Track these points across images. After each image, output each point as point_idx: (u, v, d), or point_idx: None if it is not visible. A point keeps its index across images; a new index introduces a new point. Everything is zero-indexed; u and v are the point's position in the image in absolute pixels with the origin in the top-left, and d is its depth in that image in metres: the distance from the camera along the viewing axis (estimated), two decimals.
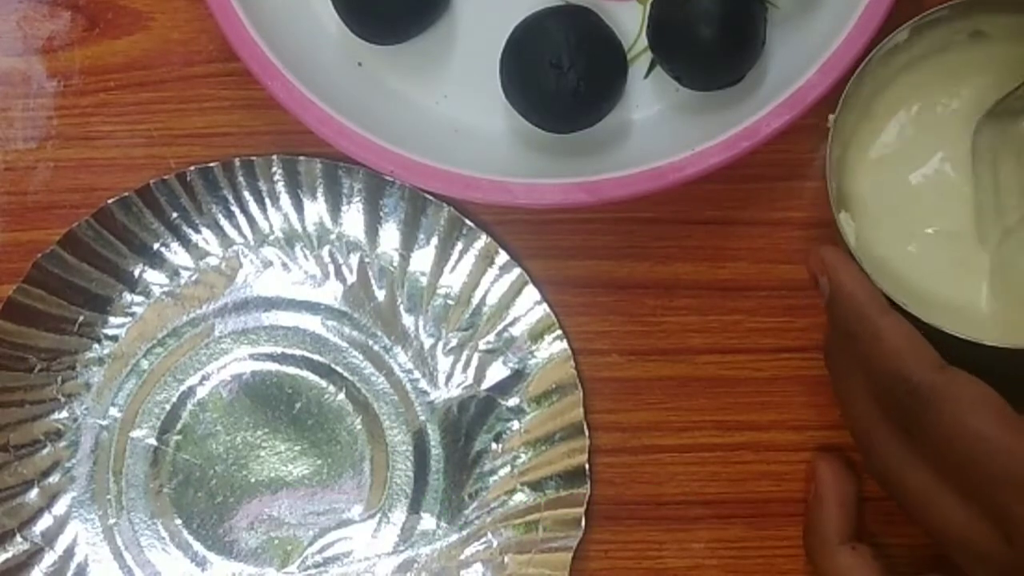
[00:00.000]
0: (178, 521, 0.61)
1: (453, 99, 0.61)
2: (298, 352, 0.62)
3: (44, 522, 0.61)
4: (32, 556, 0.61)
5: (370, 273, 0.62)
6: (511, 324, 0.61)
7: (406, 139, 0.59)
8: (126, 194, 0.61)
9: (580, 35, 0.58)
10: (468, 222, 0.61)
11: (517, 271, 0.61)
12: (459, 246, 0.61)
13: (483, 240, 0.61)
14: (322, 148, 0.59)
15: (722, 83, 0.58)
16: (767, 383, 0.61)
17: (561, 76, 0.57)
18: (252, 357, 0.62)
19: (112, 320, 0.62)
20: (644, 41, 0.60)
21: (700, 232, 0.61)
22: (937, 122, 0.56)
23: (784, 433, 0.61)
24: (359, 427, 0.61)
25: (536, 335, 0.61)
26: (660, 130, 0.60)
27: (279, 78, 0.58)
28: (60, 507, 0.61)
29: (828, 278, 0.52)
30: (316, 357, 0.62)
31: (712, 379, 0.61)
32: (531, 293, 0.61)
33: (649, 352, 0.61)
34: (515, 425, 0.61)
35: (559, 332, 0.61)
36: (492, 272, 0.61)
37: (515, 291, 0.61)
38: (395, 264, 0.61)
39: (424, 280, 0.61)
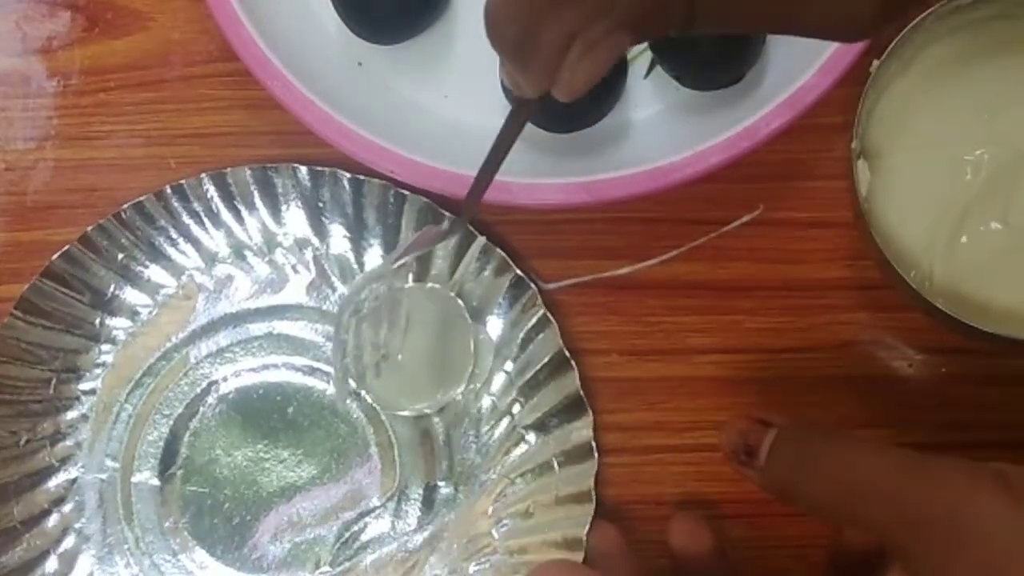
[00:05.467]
0: (202, 552, 0.61)
1: (453, 99, 0.62)
2: (277, 359, 0.62)
3: None
4: None
5: (326, 265, 0.62)
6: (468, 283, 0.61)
7: (406, 139, 0.59)
8: (67, 247, 0.61)
9: None
10: (405, 192, 0.61)
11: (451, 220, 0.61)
12: (404, 221, 0.61)
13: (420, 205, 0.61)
14: (322, 148, 0.59)
15: (722, 83, 0.58)
16: (767, 383, 0.61)
17: None
18: (234, 375, 0.62)
19: (85, 374, 0.62)
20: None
21: (700, 232, 0.61)
22: (969, 97, 0.56)
23: None
24: (356, 416, 0.61)
25: (498, 272, 0.61)
26: (660, 130, 0.60)
27: (279, 78, 0.58)
28: (81, 570, 0.61)
29: None
30: (295, 359, 0.62)
31: (712, 379, 0.61)
32: (478, 243, 0.61)
33: (649, 352, 0.61)
34: (502, 375, 0.61)
35: (516, 272, 0.60)
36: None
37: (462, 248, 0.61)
38: (348, 251, 0.62)
39: (381, 262, 0.61)
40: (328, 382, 0.61)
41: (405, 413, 0.61)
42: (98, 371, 0.62)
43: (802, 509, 0.49)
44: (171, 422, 0.62)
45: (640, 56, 0.61)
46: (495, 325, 0.61)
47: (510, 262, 0.61)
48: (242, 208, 0.62)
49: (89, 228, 0.61)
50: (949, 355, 0.61)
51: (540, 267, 0.61)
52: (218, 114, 0.63)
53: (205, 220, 0.62)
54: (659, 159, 0.57)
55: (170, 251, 0.62)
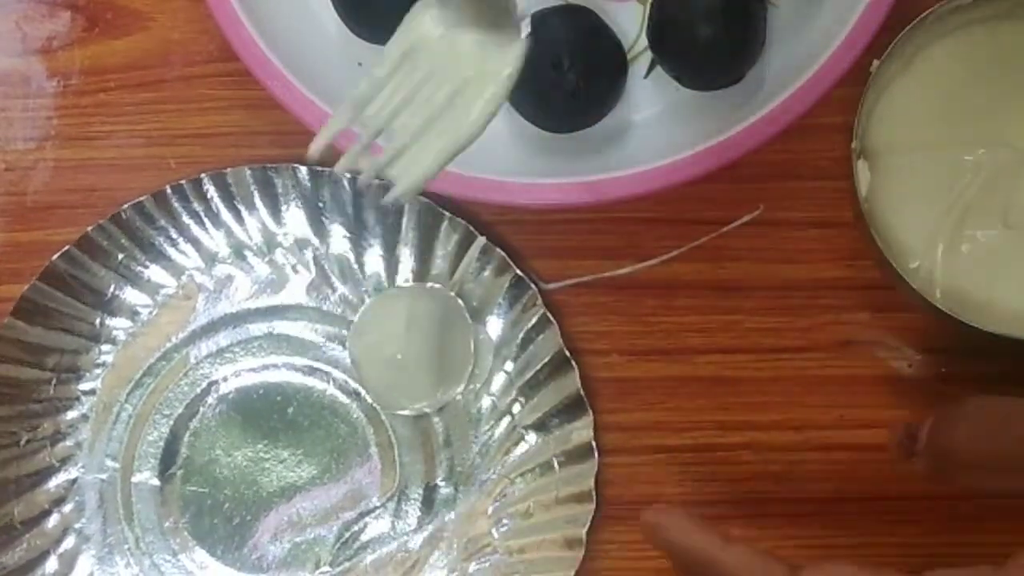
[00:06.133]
0: (202, 552, 0.61)
1: None
2: (277, 359, 0.62)
3: None
4: None
5: (326, 265, 0.62)
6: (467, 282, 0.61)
7: None
8: (67, 247, 0.61)
9: (580, 35, 0.58)
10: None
11: (460, 223, 0.61)
12: (404, 221, 0.61)
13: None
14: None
15: (722, 83, 0.58)
16: (767, 383, 0.61)
17: (561, 76, 0.57)
18: (234, 375, 0.62)
19: (85, 374, 0.62)
20: (644, 41, 0.60)
21: (700, 232, 0.61)
22: (969, 97, 0.56)
23: (784, 433, 0.61)
24: (356, 416, 0.61)
25: (498, 272, 0.61)
26: (660, 130, 0.60)
27: (279, 78, 0.58)
28: (81, 570, 0.61)
29: (662, 541, 0.50)
30: (296, 359, 0.62)
31: (712, 379, 0.61)
32: (478, 243, 0.61)
33: (649, 352, 0.61)
34: (502, 375, 0.61)
35: (516, 272, 0.60)
36: (442, 235, 0.61)
37: (463, 244, 0.61)
38: (348, 251, 0.62)
39: (381, 262, 0.62)
40: (328, 382, 0.62)
41: (405, 412, 0.61)
42: (98, 371, 0.62)
43: (965, 477, 0.51)
44: (171, 422, 0.62)
45: (640, 56, 0.61)
46: (495, 325, 0.61)
47: (510, 262, 0.61)
48: (242, 208, 0.62)
49: (89, 228, 0.61)
50: (949, 355, 0.60)
51: (540, 267, 0.61)
52: (218, 114, 0.63)
53: (205, 220, 0.62)
54: (659, 159, 0.57)
55: (170, 251, 0.62)
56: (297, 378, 0.62)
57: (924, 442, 0.51)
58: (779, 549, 0.59)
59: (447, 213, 0.60)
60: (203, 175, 0.61)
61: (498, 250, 0.60)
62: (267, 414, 0.61)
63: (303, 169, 0.61)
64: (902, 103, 0.56)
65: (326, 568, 0.61)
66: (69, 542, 0.61)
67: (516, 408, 0.61)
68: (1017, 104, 0.56)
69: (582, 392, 0.60)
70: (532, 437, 0.61)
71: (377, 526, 0.61)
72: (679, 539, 0.49)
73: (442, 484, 0.61)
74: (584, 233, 0.62)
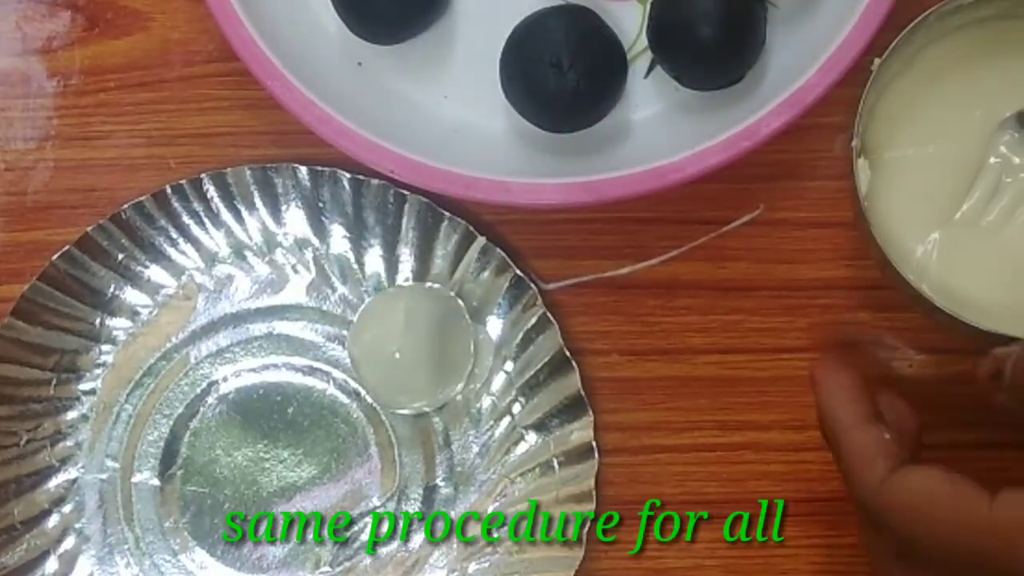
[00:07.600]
0: (202, 552, 0.61)
1: (453, 99, 0.62)
2: (277, 359, 0.62)
3: None
4: None
5: (326, 265, 0.62)
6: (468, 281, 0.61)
7: (406, 139, 0.59)
8: (67, 247, 0.61)
9: (580, 35, 0.58)
10: (405, 192, 0.61)
11: (460, 223, 0.61)
12: (404, 221, 0.61)
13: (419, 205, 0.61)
14: (322, 148, 0.59)
15: (722, 83, 0.59)
16: (767, 383, 0.61)
17: (561, 76, 0.57)
18: (234, 375, 0.62)
19: (85, 374, 0.62)
20: (644, 41, 0.60)
21: (700, 232, 0.61)
22: (970, 97, 0.56)
23: (784, 433, 0.61)
24: (356, 416, 0.61)
25: (498, 272, 0.61)
26: (660, 130, 0.60)
27: (279, 78, 0.58)
28: (81, 570, 0.61)
29: (816, 395, 0.53)
30: (296, 360, 0.62)
31: (712, 379, 0.61)
32: (478, 243, 0.61)
33: (649, 352, 0.61)
34: (502, 375, 0.61)
35: (516, 272, 0.60)
36: (442, 235, 0.61)
37: (464, 245, 0.61)
38: (348, 251, 0.62)
39: (381, 262, 0.62)
40: (328, 382, 0.62)
41: (404, 412, 0.61)
42: (98, 371, 0.62)
43: None
44: (171, 422, 0.62)
45: (640, 56, 0.61)
46: (495, 325, 0.61)
47: (510, 262, 0.61)
48: (242, 208, 0.62)
49: (89, 228, 0.61)
50: (949, 355, 0.60)
51: (540, 267, 0.61)
52: (218, 114, 0.63)
53: (205, 220, 0.62)
54: (659, 159, 0.57)
55: (170, 251, 0.62)
56: (297, 378, 0.62)
57: (1009, 377, 0.50)
58: (779, 549, 0.60)
59: (447, 213, 0.60)
60: (203, 175, 0.61)
61: (498, 250, 0.61)
62: (267, 414, 0.61)
63: (303, 169, 0.61)
64: (902, 103, 0.56)
65: (326, 568, 0.61)
66: (69, 542, 0.61)
67: (516, 408, 0.61)
68: (1017, 104, 0.56)
69: (582, 392, 0.60)
70: (532, 437, 0.61)
71: (377, 527, 0.61)
72: (823, 401, 0.53)
73: (442, 484, 0.61)
74: (584, 233, 0.62)
